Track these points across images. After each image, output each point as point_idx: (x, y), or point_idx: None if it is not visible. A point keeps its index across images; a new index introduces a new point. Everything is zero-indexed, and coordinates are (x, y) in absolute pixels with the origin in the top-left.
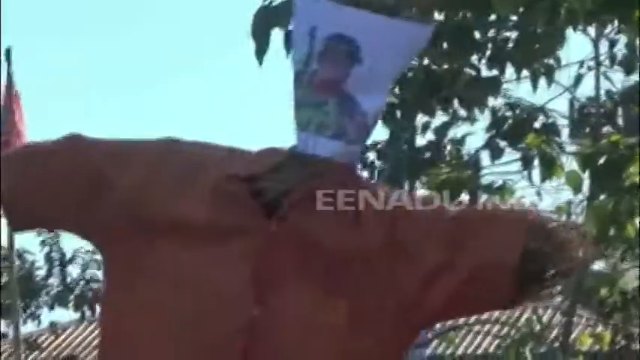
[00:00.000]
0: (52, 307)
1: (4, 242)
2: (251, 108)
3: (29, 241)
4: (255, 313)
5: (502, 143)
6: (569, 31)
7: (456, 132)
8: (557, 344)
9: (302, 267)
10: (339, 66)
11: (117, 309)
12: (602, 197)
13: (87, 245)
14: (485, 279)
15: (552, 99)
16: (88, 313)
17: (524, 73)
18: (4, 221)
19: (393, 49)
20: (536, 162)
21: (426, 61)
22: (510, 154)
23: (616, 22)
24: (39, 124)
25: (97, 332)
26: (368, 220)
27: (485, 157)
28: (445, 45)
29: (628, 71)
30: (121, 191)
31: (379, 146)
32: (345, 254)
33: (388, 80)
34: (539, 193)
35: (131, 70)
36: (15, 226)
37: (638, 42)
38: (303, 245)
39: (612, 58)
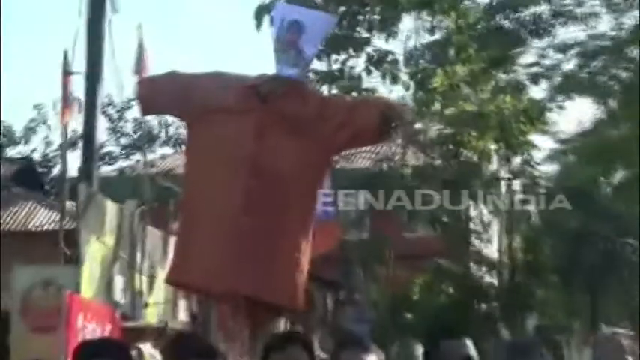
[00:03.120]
0: (163, 146)
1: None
2: None
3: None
4: (257, 146)
5: (372, 68)
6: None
7: (351, 62)
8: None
9: (282, 126)
10: (294, 34)
11: (191, 151)
12: (421, 93)
13: None
14: (363, 131)
15: (397, 46)
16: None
17: (383, 35)
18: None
19: (319, 27)
20: (388, 77)
21: (337, 31)
22: (376, 73)
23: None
24: None
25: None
26: (310, 101)
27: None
28: (344, 22)
29: (432, 33)
30: (194, 97)
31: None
32: (301, 119)
33: (318, 42)
34: (390, 91)
35: None
36: (144, 114)
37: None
38: (281, 115)
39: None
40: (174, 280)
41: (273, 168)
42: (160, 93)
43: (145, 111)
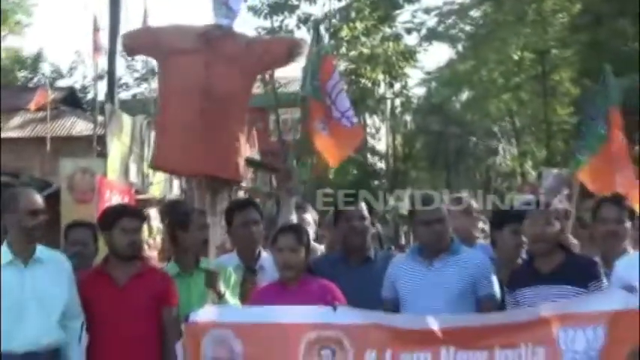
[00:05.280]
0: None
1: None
2: None
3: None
4: (206, 75)
5: (300, 25)
6: None
7: (286, 22)
8: None
9: (222, 59)
10: None
11: (162, 81)
12: (333, 41)
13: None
14: (277, 57)
15: (317, 10)
16: None
17: (307, 2)
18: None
19: None
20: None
21: (277, 0)
22: (303, 28)
23: None
24: None
25: None
26: (240, 41)
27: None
28: None
29: (339, 1)
30: (161, 42)
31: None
32: (235, 53)
33: (241, 0)
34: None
35: None
36: (129, 56)
37: None
38: (221, 52)
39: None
40: (155, 165)
41: (218, 89)
42: (137, 41)
43: (129, 53)
